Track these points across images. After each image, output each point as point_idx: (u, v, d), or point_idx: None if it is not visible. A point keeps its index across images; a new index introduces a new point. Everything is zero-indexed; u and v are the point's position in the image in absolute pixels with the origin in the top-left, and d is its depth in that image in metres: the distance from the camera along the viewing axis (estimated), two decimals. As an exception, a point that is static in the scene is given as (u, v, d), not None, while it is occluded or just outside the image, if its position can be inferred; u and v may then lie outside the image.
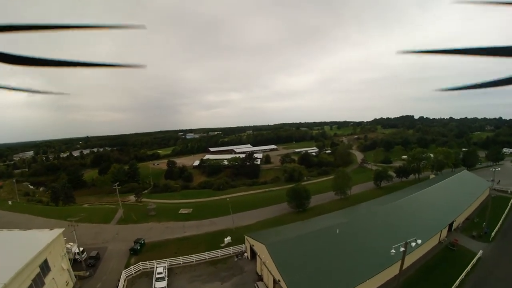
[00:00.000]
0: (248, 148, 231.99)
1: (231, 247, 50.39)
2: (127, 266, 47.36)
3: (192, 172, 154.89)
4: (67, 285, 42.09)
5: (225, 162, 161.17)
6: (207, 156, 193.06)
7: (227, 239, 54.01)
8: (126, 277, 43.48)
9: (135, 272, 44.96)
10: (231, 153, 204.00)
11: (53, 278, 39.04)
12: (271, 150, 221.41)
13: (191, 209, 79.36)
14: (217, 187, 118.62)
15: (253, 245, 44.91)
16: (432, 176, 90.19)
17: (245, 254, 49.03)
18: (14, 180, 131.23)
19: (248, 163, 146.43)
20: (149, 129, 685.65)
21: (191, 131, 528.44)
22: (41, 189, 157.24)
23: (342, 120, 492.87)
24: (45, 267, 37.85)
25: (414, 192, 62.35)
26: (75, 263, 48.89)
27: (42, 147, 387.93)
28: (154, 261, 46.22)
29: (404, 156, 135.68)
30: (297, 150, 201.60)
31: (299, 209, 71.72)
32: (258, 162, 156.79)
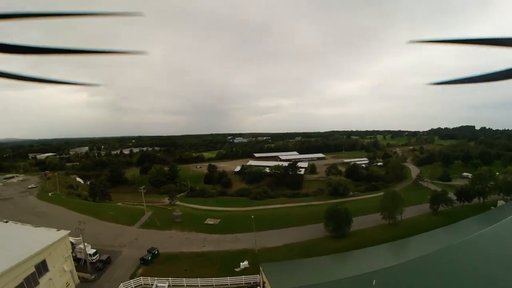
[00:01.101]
0: (294, 155, 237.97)
1: (242, 276, 45.81)
2: (132, 276, 47.22)
3: (232, 178, 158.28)
4: (67, 286, 43.61)
5: (267, 170, 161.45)
6: (250, 162, 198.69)
7: (244, 264, 49.58)
8: (124, 290, 42.18)
9: (134, 286, 43.16)
10: (276, 160, 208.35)
11: (51, 279, 40.59)
12: (318, 159, 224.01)
13: (218, 220, 77.87)
14: (255, 196, 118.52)
15: (265, 282, 39.15)
16: (501, 202, 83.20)
17: (258, 288, 43.69)
18: (55, 174, 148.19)
19: (290, 172, 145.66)
20: (200, 132, 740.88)
21: (240, 135, 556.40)
22: (88, 183, 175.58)
23: (396, 129, 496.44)
24: (42, 268, 39.54)
25: (486, 224, 50.34)
26: (85, 264, 50.77)
27: (97, 143, 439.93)
28: (155, 278, 43.99)
29: (466, 174, 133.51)
30: (345, 160, 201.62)
31: (337, 234, 63.50)
32: (302, 172, 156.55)
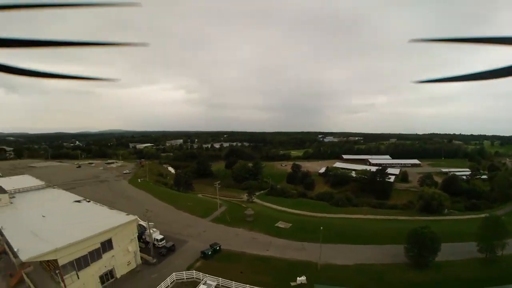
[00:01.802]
0: (385, 159, 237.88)
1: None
2: (188, 268, 49.89)
3: (316, 180, 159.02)
4: (128, 265, 49.70)
5: (353, 174, 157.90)
6: (337, 164, 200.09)
7: (301, 279, 46.24)
8: (176, 279, 45.68)
9: (186, 278, 45.70)
10: (365, 164, 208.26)
11: (113, 256, 46.83)
12: (412, 165, 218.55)
13: (290, 225, 76.16)
14: (336, 202, 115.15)
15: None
16: None
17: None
18: (147, 162, 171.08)
19: (378, 179, 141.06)
20: (290, 129, 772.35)
21: (331, 134, 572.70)
22: (180, 172, 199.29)
23: (508, 134, 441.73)
24: (107, 245, 46.10)
25: None
26: (153, 247, 56.76)
27: (191, 137, 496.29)
28: (206, 275, 45.21)
29: None
30: (443, 169, 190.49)
31: (418, 264, 52.83)
32: (391, 179, 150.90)
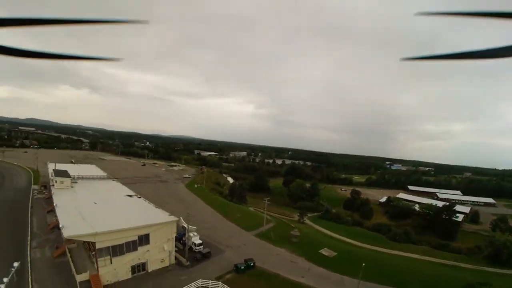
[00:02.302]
0: (455, 195, 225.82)
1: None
2: (217, 278, 50.43)
3: (374, 209, 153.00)
4: (161, 262, 52.73)
5: (416, 207, 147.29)
6: (400, 194, 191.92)
7: None
8: (201, 285, 46.95)
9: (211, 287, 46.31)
10: (432, 198, 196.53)
11: (148, 251, 49.85)
12: (486, 204, 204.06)
13: (335, 253, 71.73)
14: (393, 236, 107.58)
15: None
16: None
17: None
18: (205, 170, 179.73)
19: (444, 216, 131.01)
20: (357, 152, 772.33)
21: (400, 161, 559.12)
22: (236, 183, 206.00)
23: None
24: (143, 239, 49.64)
25: None
26: (190, 251, 59.32)
27: (256, 150, 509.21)
28: (225, 286, 45.64)
29: None
30: None
31: None
32: (459, 219, 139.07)
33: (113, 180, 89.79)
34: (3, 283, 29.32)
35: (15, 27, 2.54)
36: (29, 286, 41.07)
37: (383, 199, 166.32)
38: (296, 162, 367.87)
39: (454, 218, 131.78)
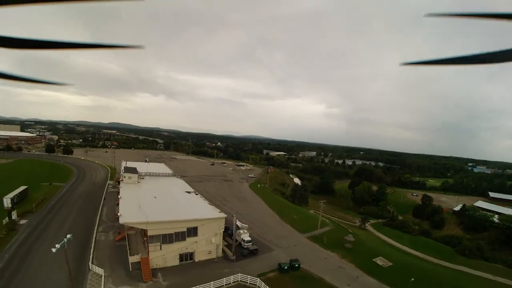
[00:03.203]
0: None
1: None
2: (260, 275, 52.71)
3: (447, 218, 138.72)
4: (208, 254, 57.81)
5: (495, 219, 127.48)
6: (479, 203, 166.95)
7: None
8: (240, 280, 49.70)
9: (249, 283, 49.60)
10: None
11: (196, 242, 55.36)
12: None
13: (391, 264, 67.76)
14: (463, 250, 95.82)
15: None
16: None
17: None
18: (271, 169, 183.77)
19: None
20: (436, 152, 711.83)
21: (484, 163, 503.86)
22: (299, 184, 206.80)
23: None
24: (192, 231, 55.19)
25: None
26: (239, 246, 64.17)
27: (326, 150, 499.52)
28: (262, 283, 47.76)
29: None
30: None
31: None
32: None
33: (177, 178, 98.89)
34: (55, 247, 36.61)
35: (14, 49, 2.66)
36: (89, 261, 50.34)
37: (458, 207, 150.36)
38: (368, 162, 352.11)
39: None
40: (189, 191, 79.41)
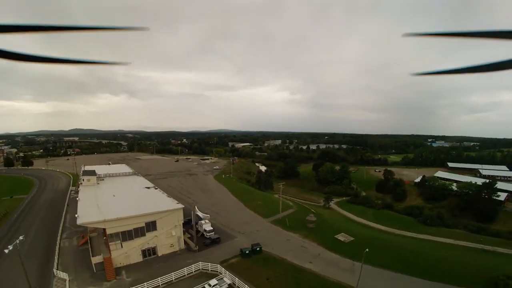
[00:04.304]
0: (501, 171, 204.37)
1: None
2: (222, 262, 54.53)
3: (409, 190, 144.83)
4: (170, 247, 58.72)
5: (453, 187, 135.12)
6: (439, 173, 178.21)
7: None
8: (201, 268, 51.51)
9: (210, 270, 51.20)
10: (475, 175, 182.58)
11: (156, 236, 55.91)
12: None
13: (352, 239, 71.24)
14: (424, 219, 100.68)
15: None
16: None
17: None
18: (234, 160, 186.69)
19: (484, 196, 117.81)
20: (398, 132, 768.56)
21: (443, 138, 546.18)
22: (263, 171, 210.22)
23: None
24: (151, 226, 55.64)
25: None
26: (201, 237, 65.92)
27: (291, 138, 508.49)
28: (227, 272, 49.62)
29: None
30: None
31: None
32: (501, 198, 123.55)
33: (137, 176, 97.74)
34: (8, 248, 36.95)
35: (19, 33, 2.70)
36: (54, 268, 50.17)
37: (418, 179, 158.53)
38: (331, 146, 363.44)
39: (494, 197, 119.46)
40: (148, 186, 79.27)
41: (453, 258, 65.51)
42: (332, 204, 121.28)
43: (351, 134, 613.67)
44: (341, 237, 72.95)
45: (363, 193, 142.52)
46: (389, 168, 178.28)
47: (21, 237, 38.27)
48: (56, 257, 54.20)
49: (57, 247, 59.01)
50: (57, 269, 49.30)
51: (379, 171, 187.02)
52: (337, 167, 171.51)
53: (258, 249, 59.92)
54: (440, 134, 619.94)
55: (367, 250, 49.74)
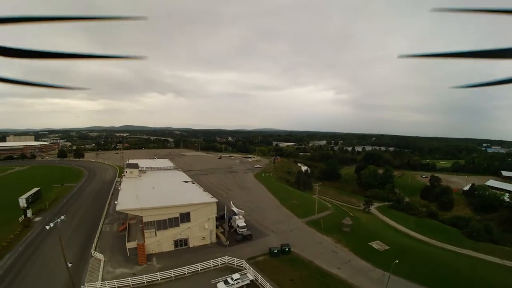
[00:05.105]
0: None
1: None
2: (250, 259, 54.99)
3: (456, 199, 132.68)
4: (202, 239, 60.83)
5: (505, 198, 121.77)
6: (490, 182, 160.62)
7: None
8: (227, 263, 52.61)
9: (236, 265, 52.17)
10: None
11: (189, 227, 58.23)
12: None
13: (387, 248, 67.28)
14: (470, 232, 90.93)
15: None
16: None
17: None
18: (276, 159, 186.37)
19: None
20: (448, 134, 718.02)
21: (500, 143, 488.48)
22: (302, 171, 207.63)
23: None
24: (185, 217, 58.06)
25: None
26: (234, 232, 67.52)
27: (336, 138, 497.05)
28: (251, 269, 49.96)
29: None
30: None
31: None
32: None
33: (178, 170, 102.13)
34: (49, 225, 40.64)
35: (19, 23, 2.67)
36: (92, 249, 55.06)
37: (467, 187, 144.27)
38: (378, 148, 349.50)
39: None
40: (186, 181, 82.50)
41: (495, 280, 58.80)
42: (372, 208, 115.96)
43: (399, 136, 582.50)
44: (376, 244, 69.16)
45: (407, 199, 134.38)
46: (436, 174, 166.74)
47: (62, 217, 41.92)
48: (96, 240, 59.36)
49: (98, 230, 64.74)
50: (95, 250, 53.91)
51: (426, 177, 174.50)
52: (381, 171, 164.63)
53: (287, 249, 59.41)
54: (497, 139, 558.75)
55: (397, 261, 47.33)
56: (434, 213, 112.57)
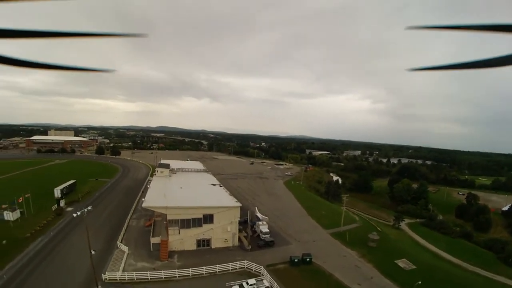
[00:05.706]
0: None
1: None
2: (269, 266, 54.66)
3: (494, 219, 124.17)
4: (224, 241, 61.79)
5: None
6: None
7: None
8: (246, 267, 53.01)
9: (254, 270, 52.43)
10: None
11: (212, 229, 59.71)
12: None
13: (414, 267, 63.65)
14: (505, 257, 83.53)
15: None
16: None
17: None
18: (308, 168, 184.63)
19: None
20: (491, 149, 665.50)
21: None
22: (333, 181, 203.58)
23: None
24: (208, 218, 59.69)
25: None
26: (257, 238, 67.72)
27: (372, 149, 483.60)
28: (267, 276, 49.80)
29: None
30: None
31: None
32: None
33: (207, 173, 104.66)
34: (76, 213, 43.47)
35: (17, 38, 2.65)
36: (118, 241, 58.30)
37: (507, 207, 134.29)
38: (414, 161, 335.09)
39: None
40: (214, 184, 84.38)
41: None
42: (402, 224, 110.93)
43: (438, 149, 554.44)
44: (402, 263, 65.61)
45: (440, 217, 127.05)
46: (474, 192, 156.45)
47: (89, 207, 44.83)
48: (122, 233, 62.72)
49: (125, 224, 68.63)
50: (120, 242, 56.99)
51: (463, 194, 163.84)
52: (415, 185, 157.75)
53: (308, 259, 58.32)
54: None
55: (420, 282, 45.98)
56: (469, 233, 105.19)
